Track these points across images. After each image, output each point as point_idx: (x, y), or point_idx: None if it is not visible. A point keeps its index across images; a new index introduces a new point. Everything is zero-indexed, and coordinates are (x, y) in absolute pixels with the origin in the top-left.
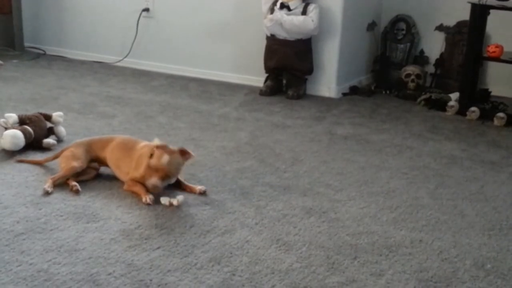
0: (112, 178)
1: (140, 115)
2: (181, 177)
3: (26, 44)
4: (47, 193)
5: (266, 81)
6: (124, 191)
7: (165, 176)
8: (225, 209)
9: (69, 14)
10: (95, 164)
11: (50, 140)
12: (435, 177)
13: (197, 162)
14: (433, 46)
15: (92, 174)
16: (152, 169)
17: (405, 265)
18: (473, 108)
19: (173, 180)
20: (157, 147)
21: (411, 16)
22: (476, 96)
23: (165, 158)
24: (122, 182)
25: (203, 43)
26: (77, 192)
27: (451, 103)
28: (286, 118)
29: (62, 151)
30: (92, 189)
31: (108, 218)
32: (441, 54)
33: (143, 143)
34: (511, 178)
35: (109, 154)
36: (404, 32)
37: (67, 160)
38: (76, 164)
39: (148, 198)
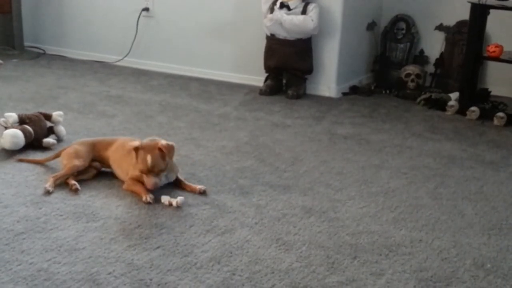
0: (112, 178)
1: (140, 114)
2: (181, 176)
3: (26, 43)
4: (48, 192)
5: (266, 80)
6: (124, 190)
7: (158, 172)
8: (225, 208)
9: (69, 13)
10: (97, 164)
11: (50, 140)
12: (435, 177)
13: (197, 162)
14: (433, 45)
15: (92, 173)
16: (144, 172)
17: (405, 264)
18: (473, 108)
19: (172, 178)
20: (136, 148)
21: (411, 16)
22: (476, 95)
23: (149, 158)
24: (123, 182)
25: (203, 43)
26: (76, 191)
27: (451, 102)
28: (286, 117)
29: (62, 150)
30: (92, 189)
31: (108, 217)
32: (441, 54)
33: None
34: (511, 178)
35: (112, 154)
36: (404, 31)
37: (70, 158)
38: (78, 163)
39: (148, 197)
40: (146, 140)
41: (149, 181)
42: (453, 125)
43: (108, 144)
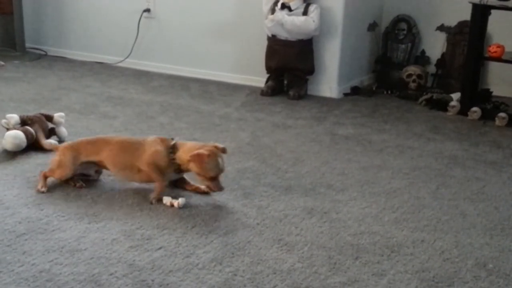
0: (114, 178)
1: (141, 115)
2: (187, 176)
3: (27, 45)
4: (42, 193)
5: (267, 81)
6: (144, 178)
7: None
8: (227, 209)
9: (70, 15)
10: (92, 170)
11: (51, 141)
12: (437, 177)
13: None
14: (434, 46)
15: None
16: (215, 177)
17: (407, 265)
18: (474, 108)
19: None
20: (208, 155)
21: (412, 16)
22: (478, 96)
23: (221, 161)
24: (123, 182)
25: (204, 44)
26: (81, 187)
27: (453, 103)
28: (288, 118)
29: (58, 148)
30: (94, 190)
31: (110, 218)
32: (443, 54)
33: (149, 138)
34: None
35: (110, 159)
36: (405, 32)
37: (54, 164)
38: (60, 173)
39: (157, 200)
40: (198, 145)
41: (219, 184)
42: (454, 126)
43: (99, 147)
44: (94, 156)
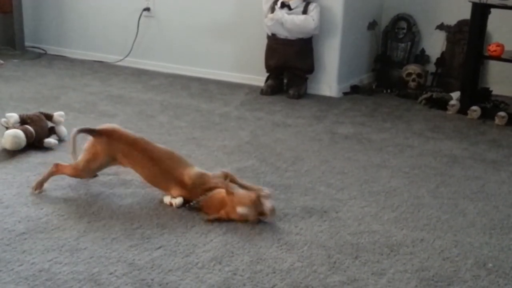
0: (113, 178)
1: (141, 114)
2: None
3: (27, 43)
4: (40, 192)
5: (267, 80)
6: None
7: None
8: None
9: (70, 13)
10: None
11: (51, 140)
12: (436, 176)
13: (198, 162)
14: (434, 45)
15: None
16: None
17: (407, 264)
18: (474, 107)
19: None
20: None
21: (412, 15)
22: (477, 95)
23: (249, 209)
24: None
25: (204, 42)
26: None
27: (452, 102)
28: (287, 117)
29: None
30: (94, 188)
31: (109, 217)
32: (442, 53)
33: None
34: None
35: (141, 171)
36: (405, 31)
37: (78, 166)
38: (83, 175)
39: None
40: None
41: (267, 209)
42: (454, 124)
43: (135, 157)
44: (126, 163)
